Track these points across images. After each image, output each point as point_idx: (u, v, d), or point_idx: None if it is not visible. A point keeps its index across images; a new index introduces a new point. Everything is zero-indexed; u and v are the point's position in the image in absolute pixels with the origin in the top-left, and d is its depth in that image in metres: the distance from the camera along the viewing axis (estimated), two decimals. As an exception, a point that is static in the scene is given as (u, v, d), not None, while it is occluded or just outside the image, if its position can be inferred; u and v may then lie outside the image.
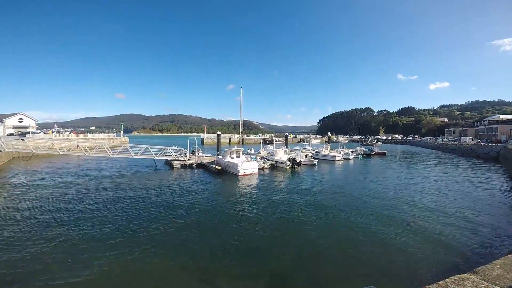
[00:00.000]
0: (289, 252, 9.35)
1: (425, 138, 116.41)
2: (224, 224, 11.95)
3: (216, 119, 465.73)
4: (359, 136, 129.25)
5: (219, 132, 44.56)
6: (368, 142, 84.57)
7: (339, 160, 38.92)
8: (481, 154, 49.81)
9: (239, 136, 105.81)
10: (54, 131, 71.10)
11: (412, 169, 32.98)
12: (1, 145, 24.83)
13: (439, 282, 3.56)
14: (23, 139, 30.79)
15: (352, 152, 44.77)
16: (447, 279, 3.64)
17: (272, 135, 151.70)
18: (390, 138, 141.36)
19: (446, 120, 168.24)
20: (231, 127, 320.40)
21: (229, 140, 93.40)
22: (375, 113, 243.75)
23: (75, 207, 14.06)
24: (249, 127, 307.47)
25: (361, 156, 45.75)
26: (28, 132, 54.53)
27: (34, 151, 26.68)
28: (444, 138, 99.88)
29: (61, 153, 26.98)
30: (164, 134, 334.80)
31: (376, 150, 53.62)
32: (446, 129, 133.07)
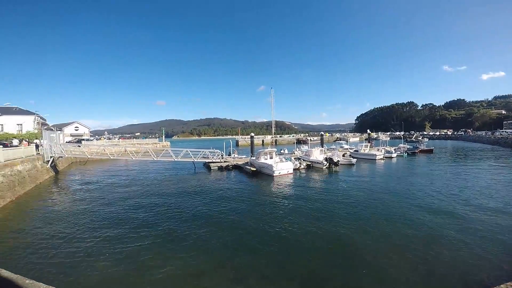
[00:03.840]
0: (323, 252, 9.17)
1: (479, 133, 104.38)
2: (259, 224, 11.96)
3: (249, 120, 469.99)
4: (402, 133, 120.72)
5: (252, 134, 44.95)
6: (413, 139, 78.57)
7: (380, 159, 36.65)
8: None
9: (272, 137, 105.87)
10: (105, 138, 78.42)
11: (466, 168, 29.19)
12: (62, 152, 28.02)
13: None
14: (79, 146, 34.48)
15: (394, 149, 41.87)
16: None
17: (307, 134, 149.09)
18: (438, 133, 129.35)
19: (503, 112, 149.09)
20: (264, 128, 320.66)
21: (262, 141, 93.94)
22: (419, 108, 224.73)
23: (125, 206, 15.28)
24: (282, 127, 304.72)
25: (406, 154, 42.55)
26: (83, 139, 60.68)
27: (89, 156, 29.71)
28: (502, 131, 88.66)
29: (111, 157, 29.76)
30: (201, 137, 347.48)
31: (422, 147, 49.40)
32: (504, 122, 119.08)
